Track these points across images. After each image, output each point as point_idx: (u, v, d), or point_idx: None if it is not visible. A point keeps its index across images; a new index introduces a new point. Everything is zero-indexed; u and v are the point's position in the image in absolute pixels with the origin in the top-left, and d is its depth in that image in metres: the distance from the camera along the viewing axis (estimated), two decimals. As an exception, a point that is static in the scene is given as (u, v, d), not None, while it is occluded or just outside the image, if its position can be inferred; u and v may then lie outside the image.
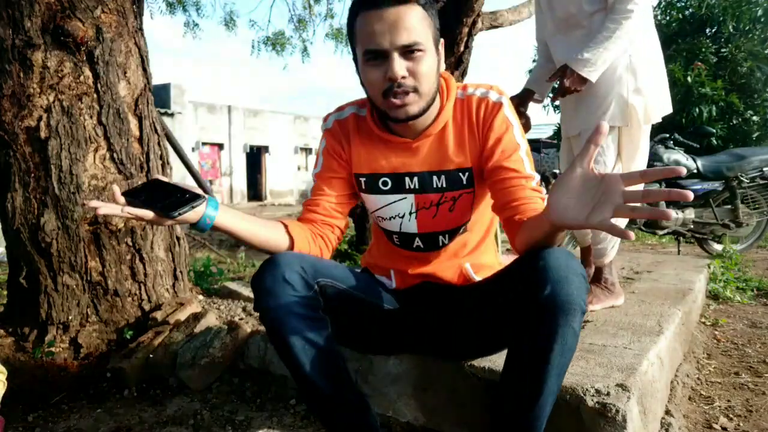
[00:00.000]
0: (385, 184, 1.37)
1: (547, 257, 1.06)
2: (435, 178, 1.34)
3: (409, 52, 1.17)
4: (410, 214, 1.37)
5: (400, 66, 1.17)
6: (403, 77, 1.18)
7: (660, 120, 1.97)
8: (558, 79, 1.88)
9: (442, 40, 1.27)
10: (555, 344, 1.04)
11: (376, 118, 1.34)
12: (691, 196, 0.87)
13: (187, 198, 1.14)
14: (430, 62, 1.21)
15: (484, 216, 1.41)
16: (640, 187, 0.94)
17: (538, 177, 1.27)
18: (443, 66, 1.30)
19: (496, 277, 1.30)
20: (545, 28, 2.05)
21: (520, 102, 2.15)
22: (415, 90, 1.20)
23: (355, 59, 1.28)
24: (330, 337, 1.21)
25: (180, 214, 1.11)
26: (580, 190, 0.95)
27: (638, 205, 0.91)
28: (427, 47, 1.19)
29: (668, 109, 1.99)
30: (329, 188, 1.40)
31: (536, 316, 1.05)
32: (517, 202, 1.23)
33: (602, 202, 0.92)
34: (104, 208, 1.07)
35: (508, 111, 1.30)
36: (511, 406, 1.12)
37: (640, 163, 1.95)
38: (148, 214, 1.10)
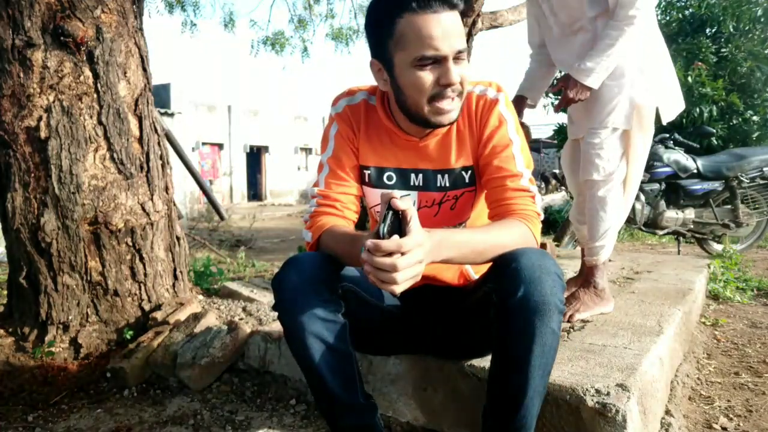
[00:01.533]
0: (390, 178, 1.36)
1: (519, 258, 1.07)
2: (439, 176, 1.34)
3: (457, 57, 1.17)
4: None
5: (456, 72, 1.17)
6: (459, 83, 1.19)
7: (674, 118, 1.97)
8: (561, 89, 1.88)
9: None
10: (534, 345, 1.05)
11: (387, 111, 1.32)
12: None
13: (393, 219, 1.02)
14: (468, 67, 1.22)
15: (483, 214, 1.41)
16: None
17: (527, 173, 1.27)
18: None
19: (481, 279, 1.31)
20: (548, 32, 2.05)
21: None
22: (460, 95, 1.21)
23: (384, 58, 1.22)
24: (347, 339, 1.20)
25: None
26: None
27: None
28: (466, 53, 1.20)
29: (681, 106, 1.99)
30: (349, 177, 1.34)
31: (512, 318, 1.06)
32: (497, 203, 1.25)
33: None
34: None
35: (504, 107, 1.30)
36: (499, 407, 1.13)
37: (641, 164, 1.95)
38: None
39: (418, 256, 0.98)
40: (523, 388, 1.07)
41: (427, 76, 1.17)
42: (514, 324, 1.06)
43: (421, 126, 1.27)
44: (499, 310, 1.08)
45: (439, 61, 1.16)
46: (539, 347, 1.05)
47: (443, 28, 1.14)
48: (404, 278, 0.97)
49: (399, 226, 1.01)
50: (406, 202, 1.01)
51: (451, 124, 1.25)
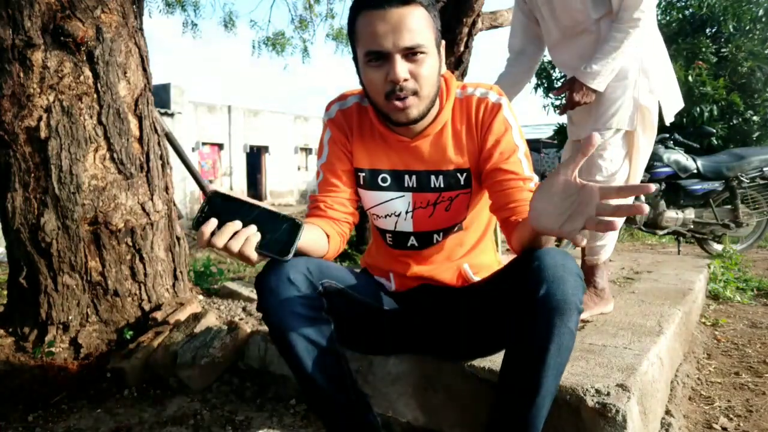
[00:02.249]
0: (384, 180, 1.36)
1: (542, 257, 1.06)
2: (433, 177, 1.33)
3: (411, 54, 1.16)
4: (407, 213, 1.37)
5: (402, 68, 1.16)
6: (405, 80, 1.17)
7: (674, 118, 1.98)
8: (566, 92, 1.88)
9: (443, 42, 1.27)
10: (551, 344, 1.04)
11: (376, 112, 1.32)
12: (646, 210, 0.87)
13: (284, 228, 1.07)
14: (432, 64, 1.20)
15: (481, 215, 1.41)
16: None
17: (536, 178, 1.26)
18: (444, 67, 1.29)
19: (493, 277, 1.30)
20: (547, 35, 2.05)
21: None
22: (416, 93, 1.20)
23: (355, 59, 1.26)
24: (332, 337, 1.20)
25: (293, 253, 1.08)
26: (560, 197, 0.94)
27: (608, 219, 0.89)
28: (429, 49, 1.18)
29: (680, 105, 2.00)
30: (339, 181, 1.36)
31: (532, 316, 1.05)
32: (514, 203, 1.23)
33: (576, 213, 0.92)
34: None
35: (508, 112, 1.29)
36: (509, 406, 1.12)
37: (643, 164, 1.96)
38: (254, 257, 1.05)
39: None
40: (536, 386, 1.07)
41: (377, 73, 1.18)
42: (534, 322, 1.05)
43: (391, 123, 1.28)
44: (519, 307, 1.08)
45: (386, 58, 1.16)
46: (556, 346, 1.04)
47: (390, 24, 1.14)
48: None
49: (217, 213, 1.04)
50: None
51: (411, 122, 1.24)
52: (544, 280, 1.03)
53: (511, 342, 1.12)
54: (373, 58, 1.18)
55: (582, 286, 1.07)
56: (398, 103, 1.19)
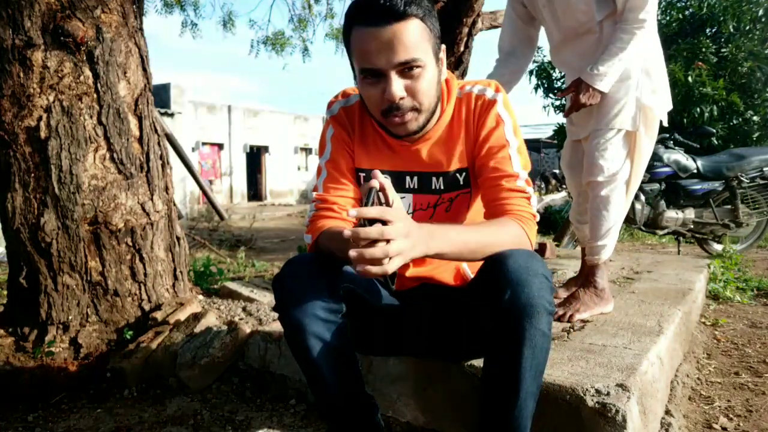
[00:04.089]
0: None
1: (505, 260, 1.06)
2: (434, 179, 1.33)
3: (407, 69, 1.15)
4: (407, 214, 1.37)
5: (397, 86, 1.15)
6: (401, 98, 1.16)
7: (668, 118, 1.99)
8: (571, 93, 1.88)
9: (443, 47, 1.25)
10: (524, 348, 1.04)
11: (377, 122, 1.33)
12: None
13: None
14: (430, 77, 1.18)
15: (480, 216, 1.41)
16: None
17: (524, 175, 1.26)
18: (445, 74, 1.28)
19: (472, 281, 1.31)
20: (549, 37, 2.05)
21: None
22: (414, 108, 1.19)
23: (352, 67, 1.26)
24: (349, 341, 1.20)
25: None
26: None
27: None
28: (426, 61, 1.17)
29: (670, 106, 2.01)
30: (346, 179, 1.34)
31: (501, 321, 1.06)
32: (492, 202, 1.24)
33: None
34: None
35: (502, 108, 1.29)
36: (493, 409, 1.12)
37: (644, 164, 1.96)
38: None
39: (402, 228, 0.96)
40: (515, 389, 1.07)
41: (374, 90, 1.17)
42: (503, 326, 1.06)
43: (390, 135, 1.28)
44: (488, 312, 1.08)
45: (381, 75, 1.15)
46: (529, 349, 1.05)
47: (383, 42, 1.12)
48: (395, 250, 0.94)
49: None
50: (386, 178, 1.01)
51: (409, 135, 1.24)
52: (507, 284, 1.03)
53: (487, 346, 1.12)
54: (368, 74, 1.17)
55: (549, 286, 1.06)
56: (396, 119, 1.19)
